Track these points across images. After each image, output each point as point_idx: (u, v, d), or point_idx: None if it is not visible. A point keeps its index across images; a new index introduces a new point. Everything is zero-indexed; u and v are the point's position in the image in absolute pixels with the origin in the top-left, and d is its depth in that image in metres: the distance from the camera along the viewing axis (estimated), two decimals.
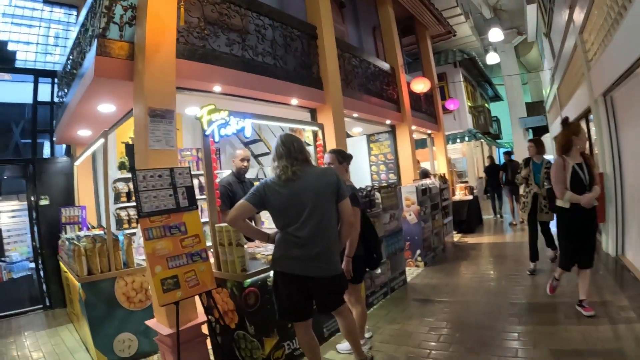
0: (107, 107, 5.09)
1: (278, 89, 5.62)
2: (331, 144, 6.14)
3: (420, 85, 8.66)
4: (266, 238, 3.25)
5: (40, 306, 7.09)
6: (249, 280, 3.62)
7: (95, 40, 4.03)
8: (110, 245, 4.50)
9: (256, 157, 10.57)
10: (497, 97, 23.47)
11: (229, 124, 4.37)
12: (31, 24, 8.97)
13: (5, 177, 9.36)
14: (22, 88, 8.67)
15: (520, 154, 17.18)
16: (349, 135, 10.15)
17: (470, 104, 16.98)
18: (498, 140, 22.62)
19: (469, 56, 15.47)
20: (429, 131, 11.24)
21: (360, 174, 10.05)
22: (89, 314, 4.29)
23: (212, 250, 3.98)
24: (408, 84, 9.24)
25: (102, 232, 5.07)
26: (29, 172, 7.63)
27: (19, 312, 6.90)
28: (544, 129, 18.22)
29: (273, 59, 5.69)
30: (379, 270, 5.71)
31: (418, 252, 7.37)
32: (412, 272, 7.02)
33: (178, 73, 4.29)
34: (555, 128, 13.97)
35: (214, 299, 3.88)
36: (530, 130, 19.35)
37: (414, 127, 9.88)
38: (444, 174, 9.21)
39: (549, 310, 4.49)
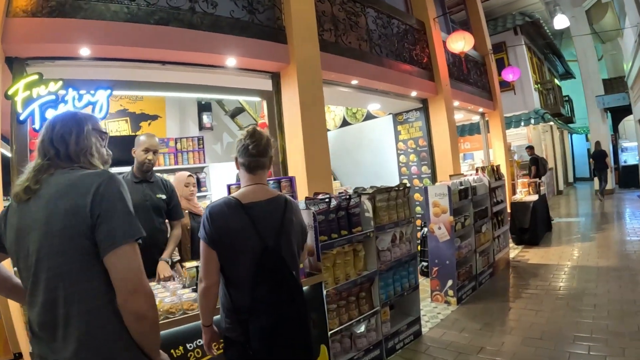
0: None
1: (200, 44, 3.72)
2: (295, 124, 4.01)
3: (460, 43, 6.18)
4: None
5: None
6: None
7: None
8: None
9: None
10: (568, 75, 19.71)
11: (65, 101, 3.08)
12: None
13: None
14: None
15: (599, 141, 13.96)
16: (370, 116, 7.89)
17: (536, 79, 13.84)
18: (571, 125, 18.91)
19: (531, 19, 12.35)
20: (481, 109, 8.63)
21: (386, 167, 7.77)
22: None
23: None
24: (445, 44, 6.75)
25: None
26: None
27: None
28: (626, 110, 14.68)
29: (189, 1, 3.66)
30: (362, 329, 3.52)
31: (449, 282, 5.03)
32: (437, 313, 4.76)
33: (20, 37, 3.11)
34: None
35: None
36: (608, 112, 15.79)
37: (456, 103, 7.40)
38: (497, 167, 6.70)
39: None
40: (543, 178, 9.55)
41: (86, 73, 3.62)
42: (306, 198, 3.30)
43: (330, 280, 3.24)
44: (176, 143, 7.37)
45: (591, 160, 14.15)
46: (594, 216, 10.34)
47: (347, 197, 3.42)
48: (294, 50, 4.14)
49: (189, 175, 3.95)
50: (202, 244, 1.94)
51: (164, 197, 3.41)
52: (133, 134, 7.71)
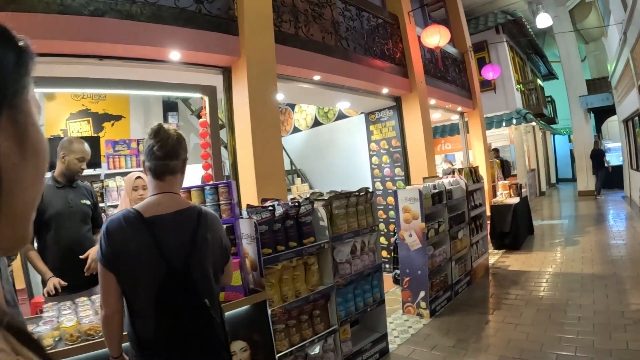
0: None
1: (139, 36, 3.33)
2: (244, 123, 3.60)
3: (435, 38, 5.81)
4: None
5: None
6: None
7: None
8: None
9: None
10: (551, 75, 19.57)
11: None
12: None
13: None
14: None
15: (582, 142, 13.76)
16: (342, 116, 7.52)
17: (518, 79, 13.61)
18: (553, 126, 18.73)
19: (513, 17, 12.14)
20: (460, 108, 8.29)
21: (359, 168, 7.39)
22: None
23: None
24: (420, 38, 6.38)
25: None
26: None
27: None
28: (609, 111, 14.51)
29: None
30: (316, 350, 3.11)
31: (422, 294, 4.64)
32: (408, 327, 4.39)
33: None
34: (625, 108, 10.73)
35: None
36: (592, 113, 15.61)
37: (433, 102, 7.04)
38: (476, 168, 6.37)
39: None
40: (525, 179, 9.25)
41: None
42: (248, 206, 2.89)
43: (277, 297, 2.84)
44: (138, 144, 6.98)
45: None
46: (577, 218, 10.07)
47: (296, 204, 3.01)
48: (245, 42, 3.73)
49: (138, 177, 3.52)
50: (99, 265, 1.64)
51: (88, 202, 3.18)
52: (95, 135, 7.29)
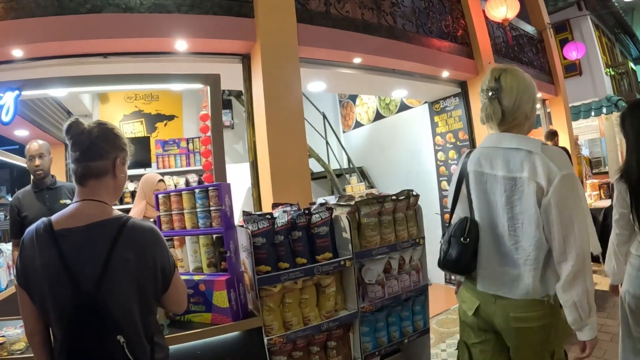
0: None
1: (138, 29, 3.23)
2: (260, 116, 3.15)
3: (501, 9, 4.89)
4: None
5: None
6: None
7: None
8: None
9: None
10: None
11: None
12: None
13: None
14: None
15: None
16: (405, 107, 6.84)
17: (607, 62, 11.95)
18: None
19: None
20: (540, 94, 7.21)
21: (423, 165, 6.68)
22: None
23: None
24: (485, 12, 5.50)
25: None
26: None
27: None
28: None
29: None
30: None
31: None
32: None
33: None
34: None
35: None
36: None
37: None
38: None
39: None
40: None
41: (21, 75, 3.28)
42: (244, 213, 2.39)
43: (277, 324, 2.29)
44: (188, 143, 6.93)
45: None
46: None
47: (306, 211, 2.45)
48: (260, 25, 3.31)
49: (160, 180, 3.27)
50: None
51: (68, 202, 3.04)
52: (148, 135, 7.38)
